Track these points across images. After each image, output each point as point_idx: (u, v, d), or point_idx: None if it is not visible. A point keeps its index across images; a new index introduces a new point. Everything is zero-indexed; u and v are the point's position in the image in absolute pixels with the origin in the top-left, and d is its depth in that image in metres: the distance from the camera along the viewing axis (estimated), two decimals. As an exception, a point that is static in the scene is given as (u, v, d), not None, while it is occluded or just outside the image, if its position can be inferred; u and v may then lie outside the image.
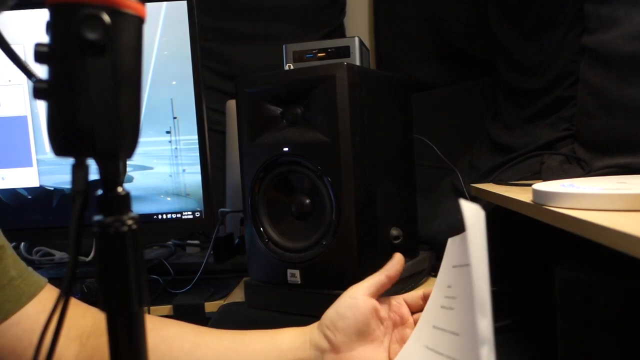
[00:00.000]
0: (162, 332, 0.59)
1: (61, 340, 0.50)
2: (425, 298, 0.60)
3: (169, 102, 1.01)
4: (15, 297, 0.55)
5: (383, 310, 0.60)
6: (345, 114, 0.77)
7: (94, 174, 0.29)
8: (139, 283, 0.29)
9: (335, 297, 0.60)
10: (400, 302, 0.62)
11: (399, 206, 0.92)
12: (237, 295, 0.99)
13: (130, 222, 0.29)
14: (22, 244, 1.22)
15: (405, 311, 0.61)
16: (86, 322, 0.59)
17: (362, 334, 0.57)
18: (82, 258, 1.12)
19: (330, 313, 0.59)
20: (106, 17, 0.27)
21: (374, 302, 0.58)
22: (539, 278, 0.75)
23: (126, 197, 0.29)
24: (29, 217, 1.05)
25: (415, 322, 0.59)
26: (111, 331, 0.30)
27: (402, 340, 0.59)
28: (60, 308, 0.29)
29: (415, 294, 0.62)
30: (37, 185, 1.05)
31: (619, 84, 0.83)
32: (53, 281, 0.61)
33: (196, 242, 1.31)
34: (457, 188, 1.07)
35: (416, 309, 0.62)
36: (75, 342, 0.58)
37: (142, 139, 0.31)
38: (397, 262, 0.62)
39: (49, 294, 0.59)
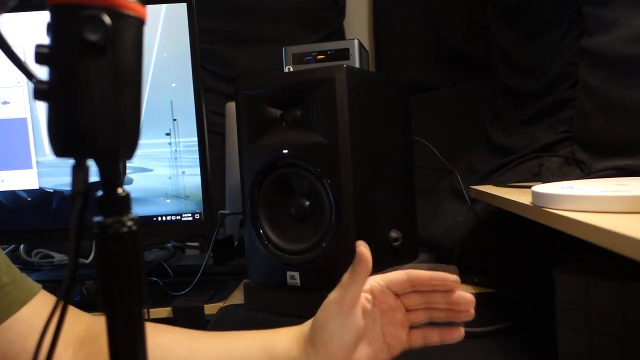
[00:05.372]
0: (157, 339, 0.58)
1: (59, 344, 0.49)
2: (410, 280, 0.55)
3: (168, 104, 1.01)
4: (5, 304, 0.55)
5: (369, 307, 0.56)
6: (344, 116, 0.77)
7: (94, 176, 0.29)
8: (139, 284, 0.29)
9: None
10: (383, 289, 0.56)
11: (398, 208, 0.92)
12: (237, 297, 0.99)
13: (130, 223, 0.29)
14: (22, 246, 1.22)
15: (392, 300, 0.56)
16: (80, 327, 0.59)
17: (356, 342, 0.55)
18: (82, 260, 1.12)
19: (322, 333, 0.55)
20: (107, 19, 0.27)
21: (361, 316, 0.55)
22: (538, 280, 0.75)
23: (126, 198, 0.29)
24: (28, 219, 1.05)
25: (405, 307, 0.55)
26: (111, 332, 0.29)
27: (394, 323, 0.56)
28: (61, 307, 0.28)
29: (399, 277, 0.55)
30: (37, 187, 1.04)
31: (618, 86, 0.83)
32: (52, 283, 0.61)
33: (195, 244, 1.31)
34: (457, 190, 1.07)
35: (402, 293, 0.56)
36: (69, 348, 0.58)
37: (142, 141, 0.30)
38: (361, 262, 0.54)
39: (43, 299, 0.58)
